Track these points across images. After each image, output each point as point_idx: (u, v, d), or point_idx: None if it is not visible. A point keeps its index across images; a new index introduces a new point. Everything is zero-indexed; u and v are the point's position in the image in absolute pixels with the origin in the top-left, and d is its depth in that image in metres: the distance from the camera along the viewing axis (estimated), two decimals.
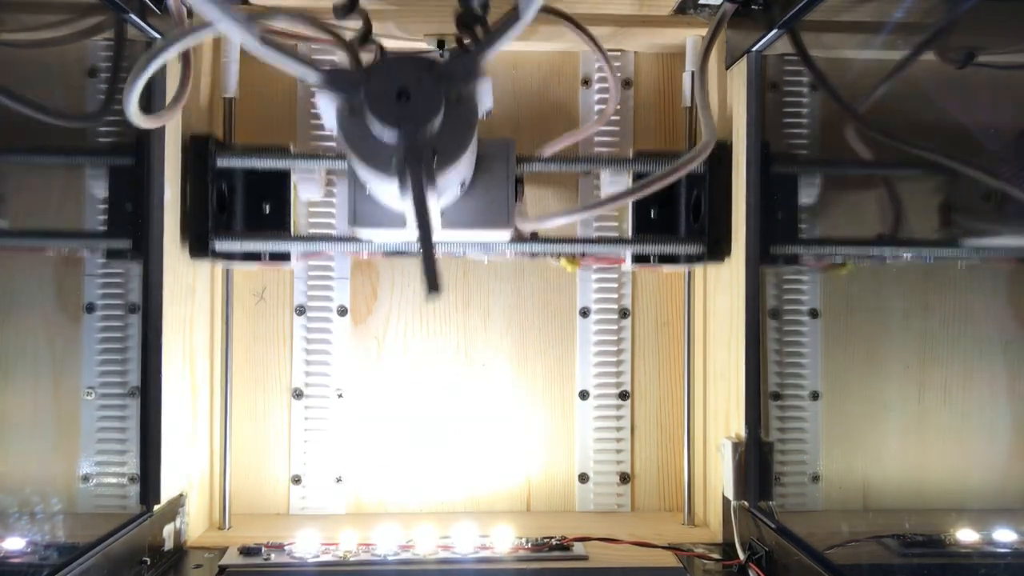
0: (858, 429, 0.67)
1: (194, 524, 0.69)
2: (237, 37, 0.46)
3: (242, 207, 0.69)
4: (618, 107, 0.77)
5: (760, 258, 0.63)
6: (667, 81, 0.78)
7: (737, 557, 0.62)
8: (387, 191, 0.52)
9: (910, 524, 0.62)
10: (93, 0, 0.59)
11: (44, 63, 0.61)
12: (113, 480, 0.63)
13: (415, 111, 0.46)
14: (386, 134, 0.47)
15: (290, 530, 0.70)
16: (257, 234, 0.69)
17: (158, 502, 0.61)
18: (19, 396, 0.62)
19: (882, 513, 0.65)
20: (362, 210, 0.56)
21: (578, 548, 0.65)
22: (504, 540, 0.66)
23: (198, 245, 0.67)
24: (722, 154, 0.67)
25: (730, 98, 0.68)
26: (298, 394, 0.76)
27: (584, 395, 0.77)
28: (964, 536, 0.60)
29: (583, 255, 0.71)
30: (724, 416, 0.68)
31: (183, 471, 0.66)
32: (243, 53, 0.72)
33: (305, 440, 0.76)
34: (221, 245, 0.67)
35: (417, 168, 0.46)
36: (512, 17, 0.47)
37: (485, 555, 0.63)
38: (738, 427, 0.64)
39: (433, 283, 0.43)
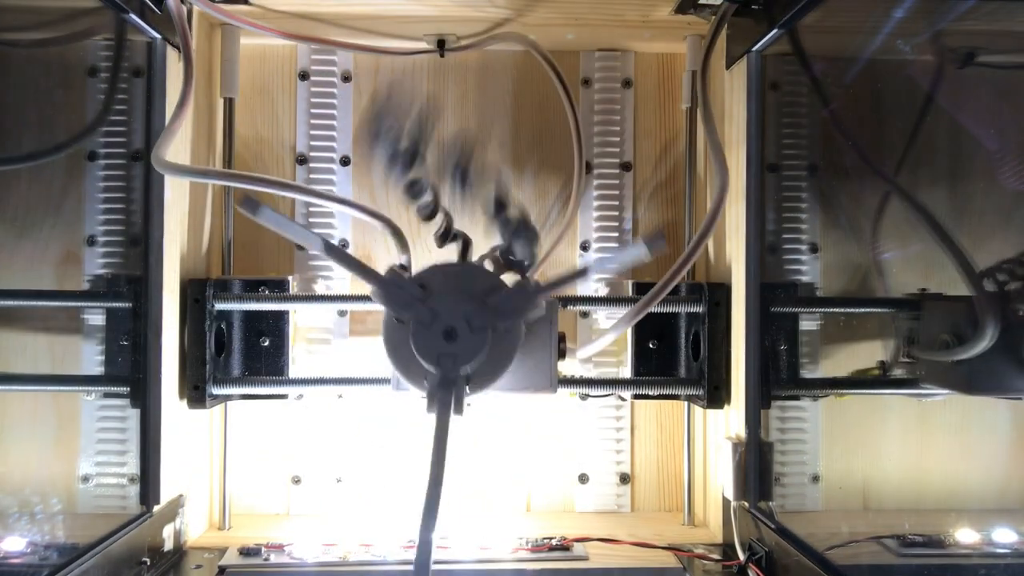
0: (858, 429, 0.67)
1: (194, 524, 0.69)
2: (308, 246, 0.51)
3: (240, 342, 0.69)
4: (618, 106, 0.77)
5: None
6: (667, 81, 0.78)
7: (737, 558, 0.62)
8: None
9: (910, 524, 0.62)
10: (93, 1, 0.59)
11: (44, 63, 0.61)
12: (113, 480, 0.63)
13: (458, 352, 0.47)
14: (424, 364, 0.48)
15: (290, 530, 0.70)
16: (255, 378, 0.68)
17: (158, 502, 0.61)
18: (19, 396, 0.62)
19: (882, 513, 0.65)
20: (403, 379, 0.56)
21: (578, 548, 0.65)
22: (504, 540, 0.66)
23: (195, 395, 0.66)
24: (720, 297, 0.67)
25: (730, 99, 0.68)
26: (298, 394, 0.76)
27: (584, 395, 0.77)
28: (964, 536, 0.60)
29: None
30: (724, 416, 0.68)
31: (183, 471, 0.66)
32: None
33: (305, 440, 0.76)
34: (219, 390, 0.67)
35: (445, 409, 0.47)
36: (580, 272, 0.48)
37: (485, 555, 0.63)
38: (738, 427, 0.64)
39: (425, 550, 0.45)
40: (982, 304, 0.53)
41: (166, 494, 0.62)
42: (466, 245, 0.56)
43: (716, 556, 0.64)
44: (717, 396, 0.67)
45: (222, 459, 0.72)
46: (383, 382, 0.68)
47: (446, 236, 0.55)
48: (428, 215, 0.53)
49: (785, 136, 0.67)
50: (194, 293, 0.66)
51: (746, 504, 0.62)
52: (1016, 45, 0.58)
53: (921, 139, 0.62)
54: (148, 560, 0.59)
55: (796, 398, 0.66)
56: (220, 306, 0.67)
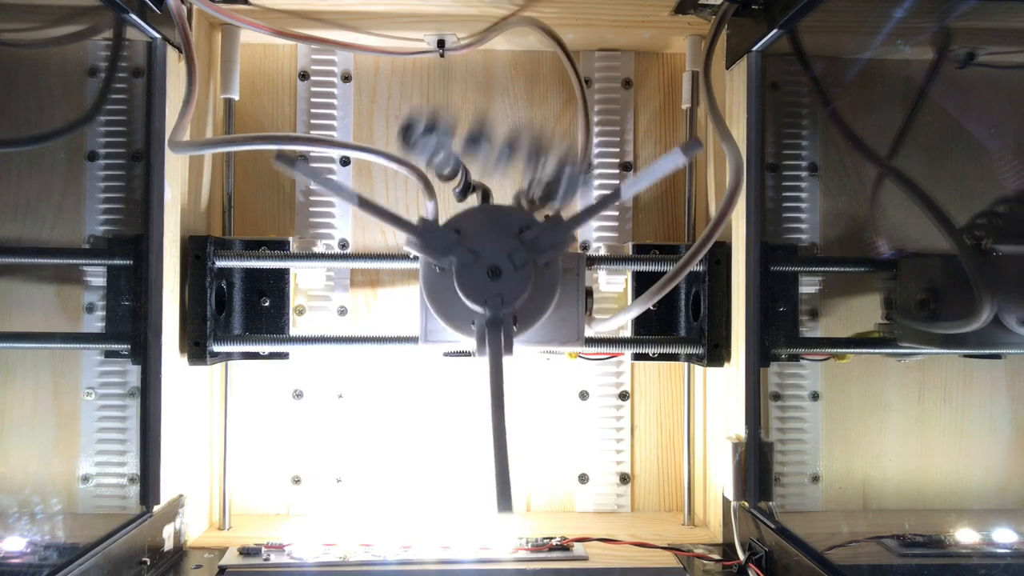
0: (858, 429, 0.67)
1: (194, 524, 0.69)
2: (342, 199, 0.49)
3: (241, 302, 0.69)
4: (618, 106, 0.77)
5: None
6: (667, 81, 0.78)
7: (737, 558, 0.62)
8: (460, 336, 0.52)
9: (910, 524, 0.62)
10: (93, 0, 0.59)
11: (44, 63, 0.61)
12: (113, 480, 0.63)
13: (504, 289, 0.47)
14: (471, 305, 0.48)
15: (290, 530, 0.70)
16: (255, 336, 0.69)
17: (158, 502, 0.61)
18: (19, 396, 0.62)
19: (882, 513, 0.65)
20: (432, 328, 0.56)
21: (578, 548, 0.65)
22: (504, 540, 0.66)
23: (196, 351, 0.66)
24: (721, 256, 0.67)
25: (730, 99, 0.68)
26: (298, 394, 0.76)
27: (584, 395, 0.77)
28: (964, 536, 0.60)
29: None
30: (724, 416, 0.68)
31: (183, 471, 0.66)
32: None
33: (305, 440, 0.76)
34: (219, 347, 0.67)
35: (497, 346, 0.47)
36: (612, 195, 0.48)
37: (485, 556, 0.63)
38: (738, 427, 0.64)
39: (505, 502, 0.43)
40: (978, 283, 0.53)
41: (166, 494, 0.62)
42: (486, 194, 0.56)
43: (716, 556, 0.64)
44: (717, 354, 0.67)
45: (222, 459, 0.72)
46: (385, 341, 0.68)
47: (466, 189, 0.55)
48: (449, 174, 0.53)
49: (785, 136, 0.67)
50: (195, 249, 0.66)
51: (746, 504, 0.62)
52: (1017, 45, 0.58)
53: (920, 138, 0.62)
54: (148, 560, 0.59)
55: (796, 358, 0.66)
56: (221, 263, 0.67)
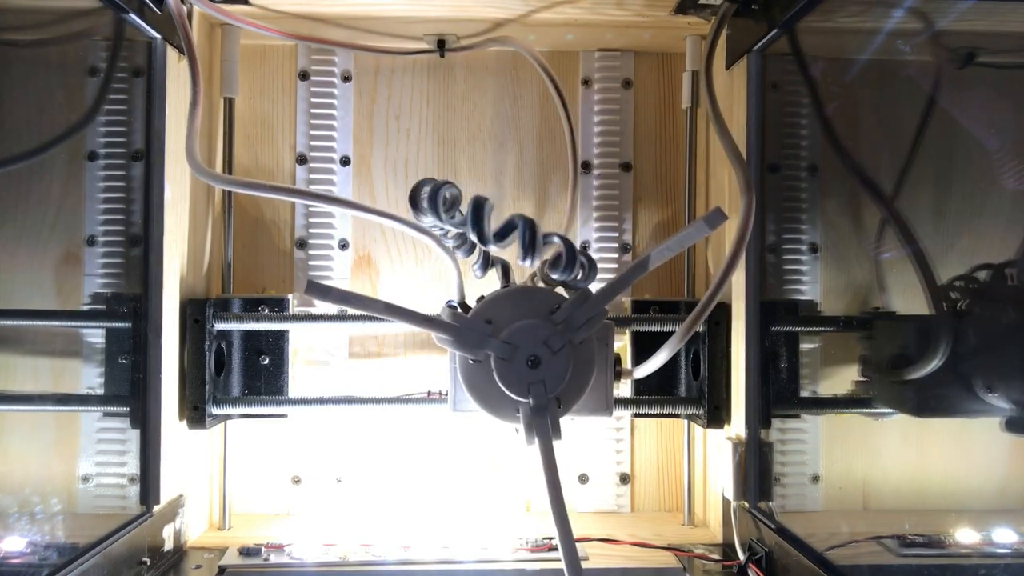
0: (858, 430, 0.67)
1: (194, 524, 0.69)
2: (372, 312, 0.48)
3: (240, 361, 0.69)
4: (618, 106, 0.77)
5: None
6: (667, 81, 0.78)
7: (737, 558, 0.62)
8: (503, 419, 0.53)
9: (910, 524, 0.62)
10: (93, 1, 0.59)
11: (44, 63, 0.61)
12: (113, 480, 0.63)
13: (545, 376, 0.47)
14: (515, 396, 0.48)
15: (290, 530, 0.70)
16: (255, 398, 0.69)
17: (158, 502, 0.61)
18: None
19: (882, 513, 0.65)
20: (462, 398, 0.56)
21: (578, 548, 0.65)
22: (504, 540, 0.66)
23: (195, 416, 0.66)
24: (720, 316, 0.67)
25: (730, 99, 0.68)
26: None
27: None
28: (964, 536, 0.59)
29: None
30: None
31: (183, 471, 0.66)
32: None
33: (305, 440, 0.76)
34: (218, 410, 0.67)
35: (546, 433, 0.47)
36: (639, 265, 0.47)
37: (485, 555, 0.63)
38: (738, 427, 0.64)
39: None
40: (939, 321, 0.53)
41: (166, 494, 0.62)
42: (505, 268, 0.56)
43: (716, 556, 0.64)
44: (717, 416, 0.67)
45: (222, 459, 0.72)
46: (383, 402, 0.69)
47: (486, 264, 0.55)
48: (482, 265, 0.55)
49: (785, 136, 0.67)
50: (194, 313, 0.66)
51: (746, 504, 0.62)
52: (1016, 45, 0.58)
53: (922, 140, 0.62)
54: (148, 560, 0.59)
55: (796, 417, 0.66)
56: (220, 326, 0.67)
